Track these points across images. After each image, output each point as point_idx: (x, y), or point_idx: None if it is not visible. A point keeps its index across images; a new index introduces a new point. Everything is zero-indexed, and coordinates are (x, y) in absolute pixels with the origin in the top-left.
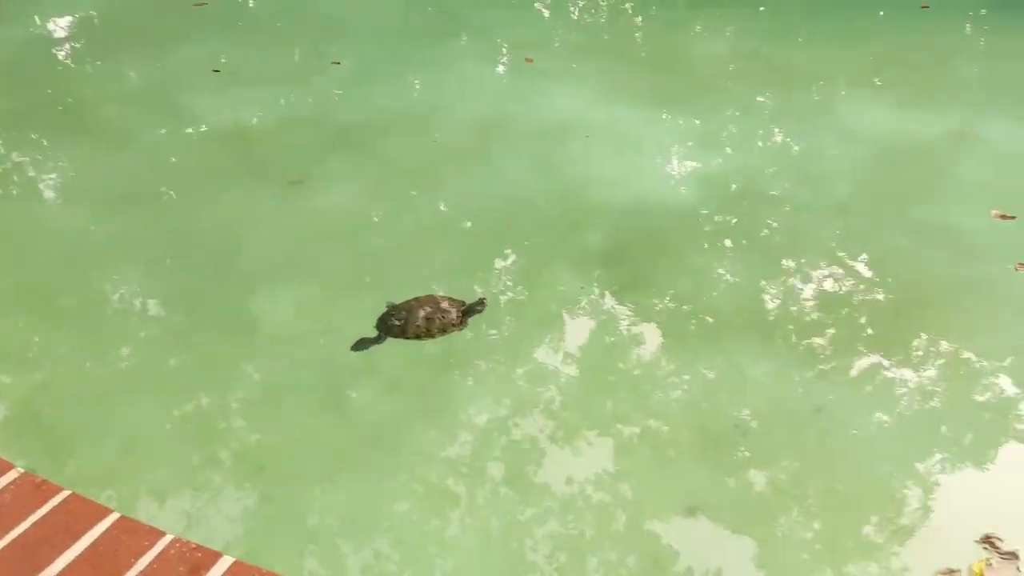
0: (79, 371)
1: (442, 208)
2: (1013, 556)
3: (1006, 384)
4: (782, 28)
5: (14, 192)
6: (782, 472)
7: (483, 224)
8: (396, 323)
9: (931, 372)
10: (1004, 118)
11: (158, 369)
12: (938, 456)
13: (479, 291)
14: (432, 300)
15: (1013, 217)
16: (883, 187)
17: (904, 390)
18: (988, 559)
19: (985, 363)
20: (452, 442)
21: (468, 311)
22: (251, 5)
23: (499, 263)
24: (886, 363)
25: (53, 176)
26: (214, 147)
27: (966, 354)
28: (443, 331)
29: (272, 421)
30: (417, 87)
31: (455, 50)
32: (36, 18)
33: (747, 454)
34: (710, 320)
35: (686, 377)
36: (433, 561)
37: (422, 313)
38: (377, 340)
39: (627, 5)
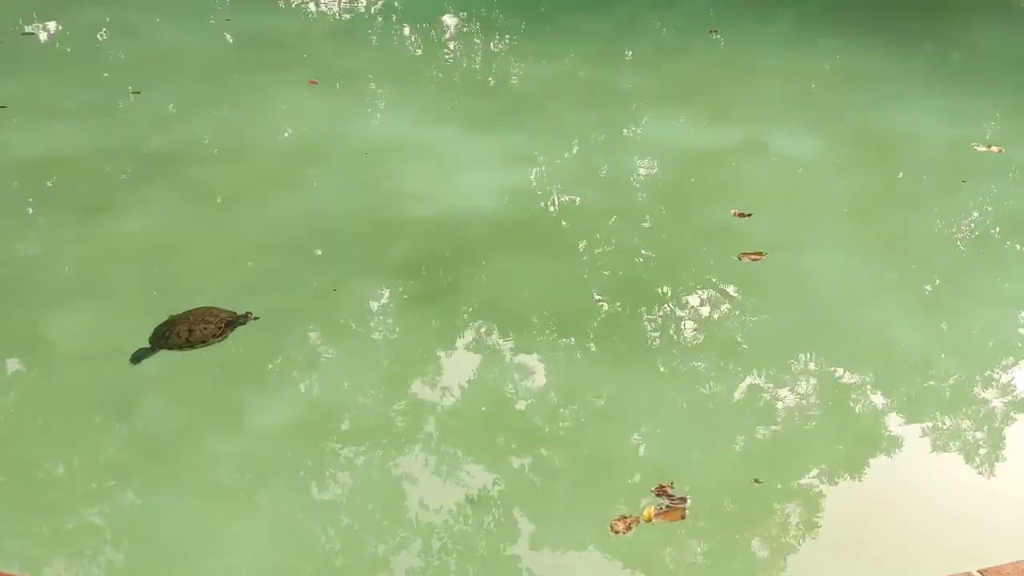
0: None
1: (248, 230)
2: (682, 500)
3: (710, 355)
4: (597, 53)
5: None
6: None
7: (290, 242)
8: (164, 335)
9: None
10: (783, 130)
11: None
12: (629, 422)
13: (250, 310)
14: (200, 313)
15: (749, 215)
16: (676, 193)
17: (665, 370)
18: (660, 504)
19: (698, 340)
20: (234, 450)
21: (231, 323)
22: (60, 45)
23: (300, 277)
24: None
25: None
26: (19, 178)
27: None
28: (203, 342)
29: (53, 438)
30: (235, 116)
31: (279, 80)
32: None
33: (530, 441)
34: (506, 321)
35: (478, 374)
36: (209, 563)
37: (184, 325)
38: (151, 351)
39: (454, 36)
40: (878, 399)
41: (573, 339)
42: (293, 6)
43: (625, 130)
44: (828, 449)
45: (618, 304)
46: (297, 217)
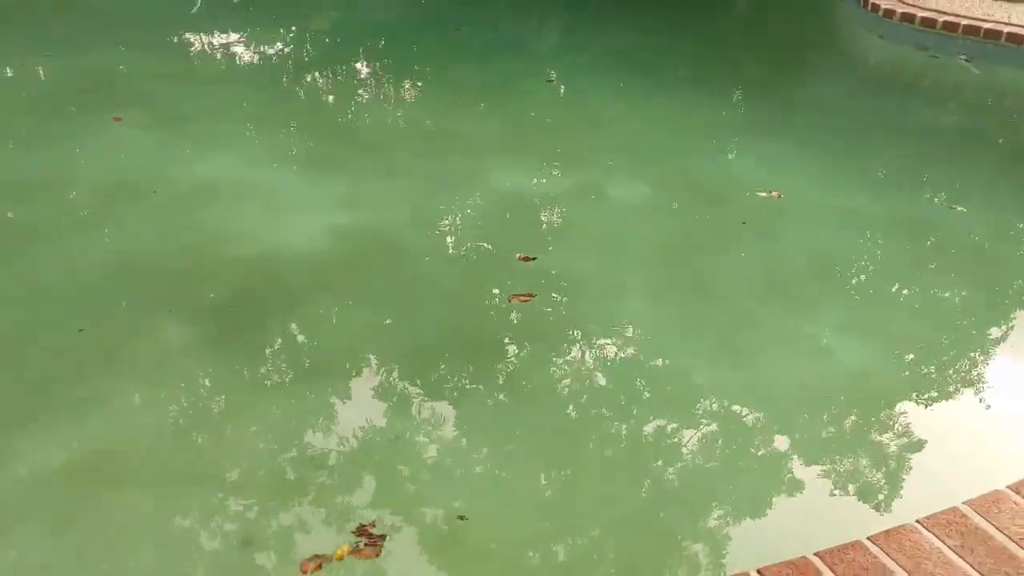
0: None
1: (55, 267)
2: (381, 538)
3: (502, 401)
4: (438, 102)
5: None
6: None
7: (96, 280)
8: None
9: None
10: (612, 177)
11: None
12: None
13: None
14: None
15: (534, 258)
16: (503, 235)
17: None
18: (356, 543)
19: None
20: (11, 493)
21: None
22: None
23: (102, 316)
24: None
25: None
26: None
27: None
28: None
29: None
30: (49, 155)
31: (103, 121)
32: None
33: (331, 482)
34: (308, 361)
35: (268, 417)
36: None
37: None
38: None
39: (306, 80)
40: (665, 439)
41: (382, 384)
42: (126, 50)
43: (461, 176)
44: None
45: (428, 349)
46: (107, 256)
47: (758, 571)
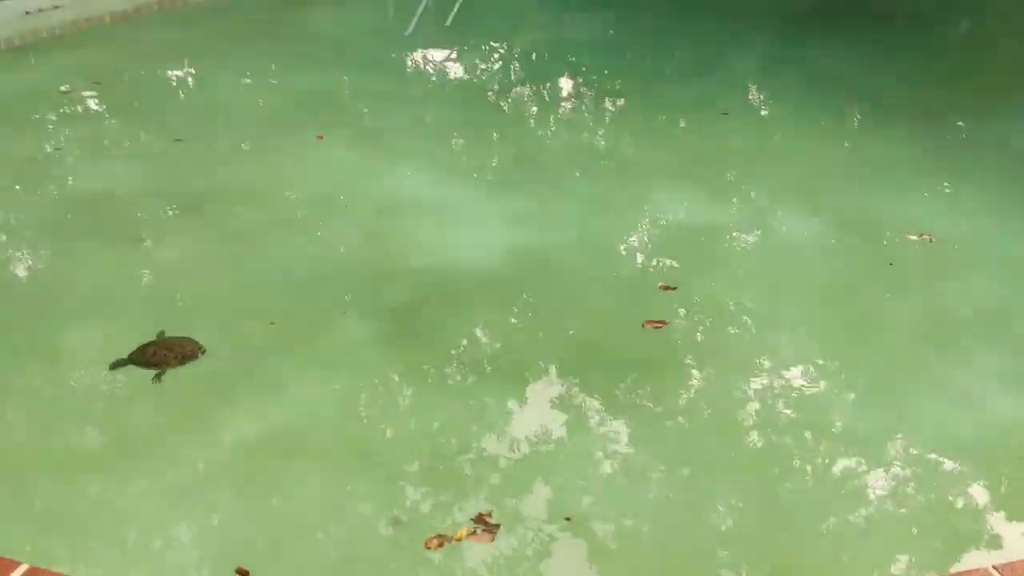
0: None
1: (261, 265)
2: (496, 527)
3: (645, 417)
4: (616, 126)
5: None
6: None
7: (294, 280)
8: (140, 352)
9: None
10: (781, 212)
11: None
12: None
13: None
14: (177, 343)
15: (675, 288)
16: (660, 262)
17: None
18: (474, 528)
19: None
20: (195, 455)
21: (190, 355)
22: (124, 93)
23: (297, 312)
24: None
25: None
26: (70, 209)
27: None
28: (159, 365)
29: (43, 432)
30: (264, 167)
31: (308, 139)
32: None
33: (470, 472)
34: (468, 367)
35: (432, 414)
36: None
37: (152, 348)
38: (124, 363)
39: (488, 104)
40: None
41: (524, 390)
42: (345, 69)
43: (629, 199)
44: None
45: (568, 363)
46: (303, 259)
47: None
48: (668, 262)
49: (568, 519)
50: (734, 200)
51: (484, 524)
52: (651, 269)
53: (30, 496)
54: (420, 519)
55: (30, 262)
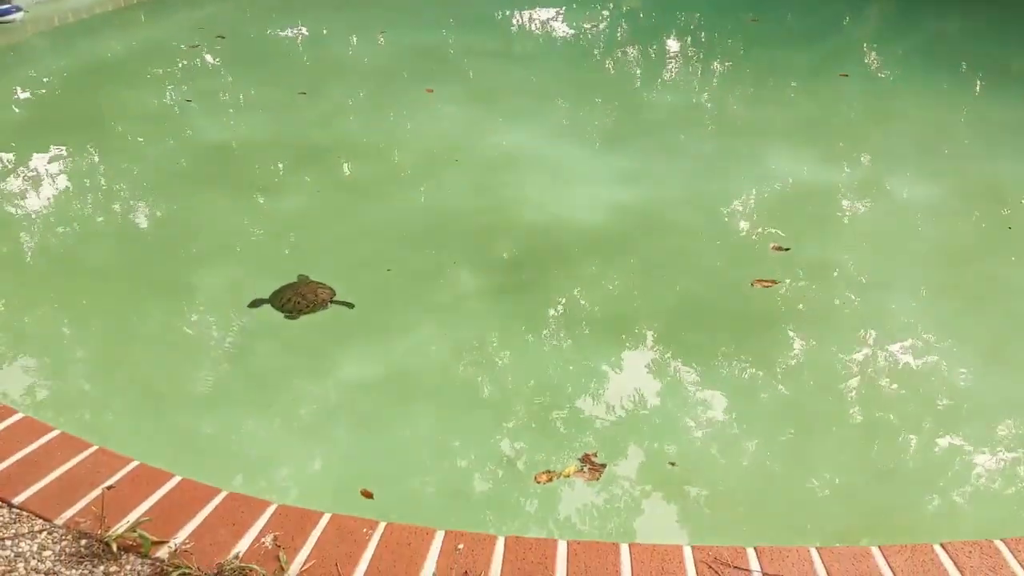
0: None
1: (373, 217)
2: (602, 466)
3: (744, 368)
4: (727, 87)
5: (24, 179)
6: (593, 438)
7: (409, 230)
8: (277, 296)
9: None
10: (900, 174)
11: (108, 314)
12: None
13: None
14: (311, 287)
15: (788, 249)
16: (772, 223)
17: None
18: (581, 467)
19: (736, 359)
20: (318, 392)
21: (321, 304)
22: (255, 51)
23: (411, 260)
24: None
25: (64, 169)
26: (201, 158)
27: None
28: (300, 311)
29: (182, 363)
30: (382, 120)
31: (436, 92)
32: (73, 56)
33: (574, 416)
34: (573, 319)
35: (539, 361)
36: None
37: (291, 292)
38: (263, 302)
39: (599, 62)
40: (907, 433)
41: (630, 341)
42: (452, 26)
43: (739, 160)
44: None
45: (674, 318)
46: (417, 210)
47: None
48: (779, 223)
49: (672, 464)
50: (850, 162)
51: (590, 463)
52: (761, 229)
53: (169, 423)
54: (527, 456)
55: (163, 207)
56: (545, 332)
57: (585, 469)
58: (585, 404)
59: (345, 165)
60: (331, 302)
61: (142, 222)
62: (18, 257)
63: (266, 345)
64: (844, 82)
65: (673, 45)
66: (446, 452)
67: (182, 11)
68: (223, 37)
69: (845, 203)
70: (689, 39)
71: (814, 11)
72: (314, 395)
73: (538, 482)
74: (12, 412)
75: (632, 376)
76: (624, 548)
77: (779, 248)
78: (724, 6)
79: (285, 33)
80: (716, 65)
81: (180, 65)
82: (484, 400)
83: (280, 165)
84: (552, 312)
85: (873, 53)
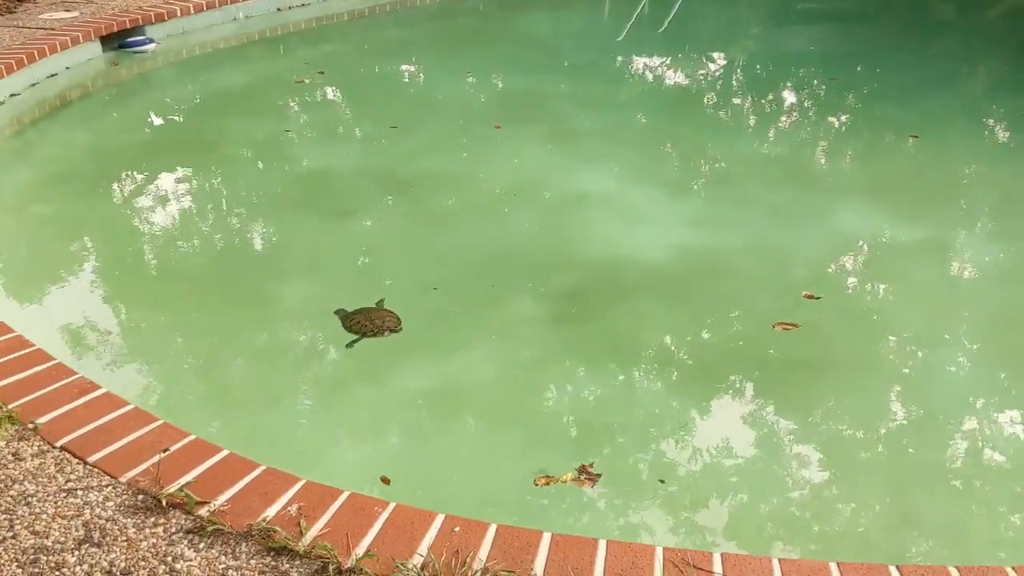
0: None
1: (448, 243)
2: (597, 476)
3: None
4: (799, 140)
5: (135, 195)
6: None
7: (476, 258)
8: (348, 318)
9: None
10: (973, 235)
11: (197, 316)
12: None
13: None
14: (379, 315)
15: (819, 297)
16: (826, 275)
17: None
18: (577, 475)
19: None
20: (375, 397)
21: (380, 331)
22: (352, 86)
23: (474, 286)
24: (736, 400)
25: (170, 189)
26: (292, 183)
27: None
28: (390, 330)
29: (253, 362)
30: (464, 156)
31: (512, 131)
32: (193, 86)
33: (608, 450)
34: (618, 350)
35: (576, 387)
36: (323, 464)
37: (357, 317)
38: (341, 313)
39: (678, 111)
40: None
41: (674, 375)
42: (539, 72)
43: (806, 214)
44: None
45: (722, 360)
46: (486, 240)
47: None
48: (835, 275)
49: (662, 481)
50: (919, 222)
51: (587, 473)
52: (815, 280)
53: (233, 411)
54: (527, 463)
55: (254, 226)
56: (591, 360)
57: (582, 477)
58: (612, 429)
59: (423, 195)
60: (391, 331)
61: (237, 238)
62: (128, 261)
63: (333, 354)
64: (916, 143)
65: (748, 100)
66: (475, 457)
67: (298, 48)
68: (323, 72)
69: (907, 260)
70: (766, 95)
71: (899, 70)
72: (368, 400)
73: (537, 484)
74: (96, 387)
75: (658, 406)
76: (602, 544)
77: (810, 296)
78: (806, 63)
79: (387, 71)
80: (803, 119)
81: (285, 97)
82: (521, 420)
83: (363, 192)
84: (601, 343)
85: (960, 117)
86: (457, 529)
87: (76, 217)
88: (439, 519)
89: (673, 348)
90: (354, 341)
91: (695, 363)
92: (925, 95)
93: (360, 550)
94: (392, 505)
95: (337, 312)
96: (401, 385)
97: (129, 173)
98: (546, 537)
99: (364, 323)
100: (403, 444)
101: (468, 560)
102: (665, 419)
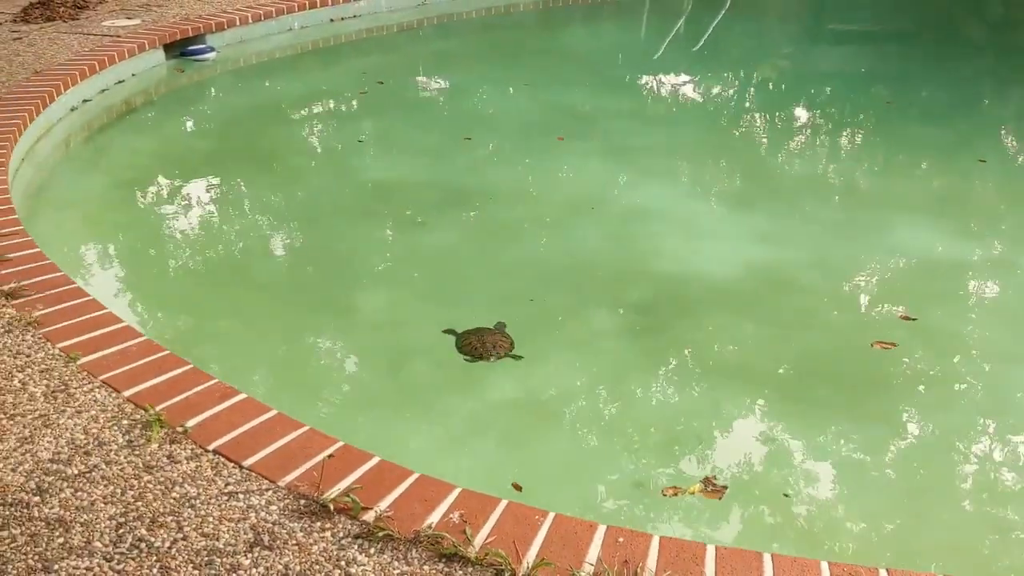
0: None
1: (518, 255)
2: (724, 488)
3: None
4: (857, 160)
5: (209, 203)
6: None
7: (548, 271)
8: (461, 338)
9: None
10: None
11: (281, 326)
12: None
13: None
14: (493, 338)
15: (915, 319)
16: (898, 291)
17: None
18: (704, 487)
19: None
20: (462, 405)
21: (487, 354)
22: (410, 97)
23: (549, 299)
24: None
25: (242, 197)
26: (362, 193)
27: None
28: (477, 358)
29: (342, 371)
30: (523, 169)
31: (576, 147)
32: (255, 94)
33: (692, 462)
34: (701, 363)
35: (664, 398)
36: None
37: (472, 340)
38: (452, 333)
39: (734, 127)
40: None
41: (750, 386)
42: (587, 88)
43: (868, 229)
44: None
45: (794, 370)
46: (555, 253)
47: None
48: (905, 292)
49: (786, 495)
50: (982, 241)
51: (712, 485)
52: (886, 295)
53: (330, 417)
54: (652, 477)
55: (330, 236)
56: (671, 372)
57: (709, 488)
58: (703, 437)
59: (489, 207)
60: (503, 355)
61: (309, 248)
62: (208, 270)
63: (420, 362)
64: (978, 163)
65: (804, 116)
66: (579, 467)
67: (352, 59)
68: (382, 83)
69: (974, 280)
70: (821, 112)
71: (953, 91)
72: (460, 408)
73: (664, 495)
74: (235, 391)
75: (748, 421)
76: (766, 557)
77: (907, 317)
78: (859, 83)
79: (435, 82)
80: (847, 138)
81: (349, 107)
82: (613, 428)
83: (434, 202)
84: (679, 355)
85: (1012, 136)
86: (621, 539)
87: (154, 226)
88: (601, 529)
89: (761, 363)
90: (469, 361)
91: (787, 378)
92: (979, 115)
93: (530, 558)
94: (552, 515)
95: (449, 332)
96: (492, 394)
97: (207, 180)
98: (710, 549)
99: (476, 345)
100: (505, 451)
101: (638, 570)
102: (773, 433)
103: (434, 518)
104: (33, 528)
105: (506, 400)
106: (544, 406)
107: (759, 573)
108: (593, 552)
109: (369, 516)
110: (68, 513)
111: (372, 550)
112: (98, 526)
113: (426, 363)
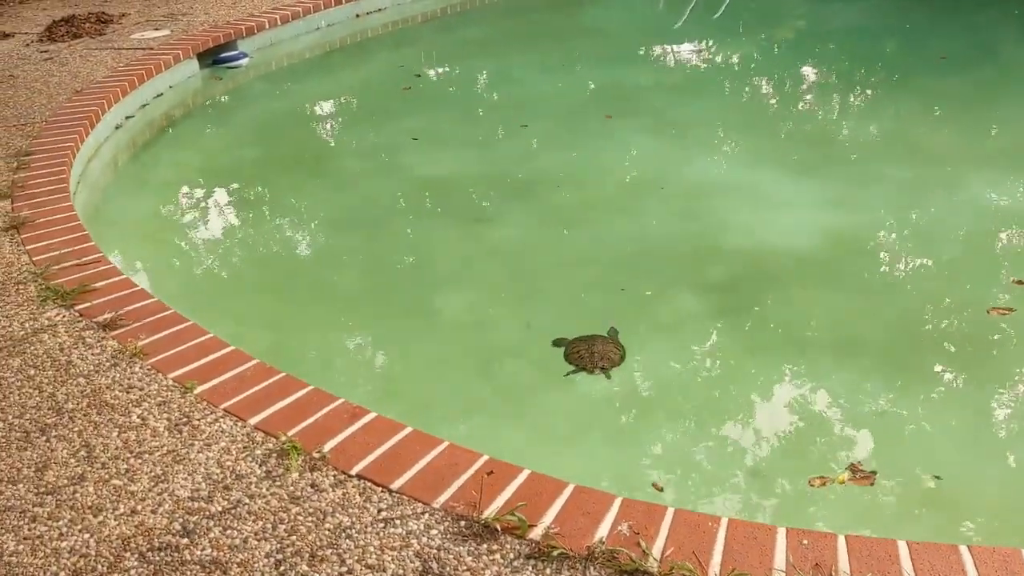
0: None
1: (589, 242)
2: (872, 474)
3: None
4: (915, 118)
5: (268, 213)
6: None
7: (621, 255)
8: (569, 346)
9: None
10: None
11: (368, 334)
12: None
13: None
14: (600, 349)
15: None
16: (985, 250)
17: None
18: (853, 475)
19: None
20: (558, 402)
21: (592, 366)
22: (450, 88)
23: (630, 284)
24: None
25: (300, 204)
26: (417, 191)
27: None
28: (580, 369)
29: (441, 378)
30: (585, 152)
31: (625, 125)
32: (294, 97)
33: (824, 448)
34: (793, 341)
35: (764, 381)
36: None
37: (579, 349)
38: (561, 344)
39: (789, 92)
40: None
41: (847, 363)
42: (618, 64)
43: (940, 188)
44: None
45: (891, 340)
46: (625, 238)
47: None
48: (1003, 252)
49: (938, 477)
50: None
51: (859, 471)
52: (983, 258)
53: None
54: (780, 465)
55: (397, 238)
56: (772, 352)
57: (857, 476)
58: (825, 419)
59: (551, 195)
60: (597, 369)
61: (377, 251)
62: (285, 284)
63: (514, 363)
64: None
65: (856, 76)
66: (697, 460)
67: (384, 52)
68: (419, 76)
69: None
70: (872, 71)
71: (978, 32)
72: (560, 407)
73: (812, 485)
74: (365, 411)
75: (867, 394)
76: (963, 549)
77: (1020, 282)
78: (908, 39)
79: (472, 71)
80: (903, 95)
81: (394, 103)
82: (725, 413)
83: (492, 194)
84: (776, 334)
85: None
86: (806, 542)
87: (219, 243)
88: (782, 532)
89: (866, 336)
90: (571, 372)
91: (897, 351)
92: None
93: (715, 568)
94: (725, 519)
95: (559, 342)
96: (588, 389)
97: (261, 190)
98: (902, 546)
99: (583, 354)
100: (617, 449)
101: (832, 573)
102: (897, 410)
103: (602, 531)
104: (189, 573)
105: (603, 395)
106: (654, 401)
107: (959, 567)
108: (779, 557)
109: (535, 534)
110: (222, 554)
111: (548, 571)
112: (256, 565)
113: (521, 363)
